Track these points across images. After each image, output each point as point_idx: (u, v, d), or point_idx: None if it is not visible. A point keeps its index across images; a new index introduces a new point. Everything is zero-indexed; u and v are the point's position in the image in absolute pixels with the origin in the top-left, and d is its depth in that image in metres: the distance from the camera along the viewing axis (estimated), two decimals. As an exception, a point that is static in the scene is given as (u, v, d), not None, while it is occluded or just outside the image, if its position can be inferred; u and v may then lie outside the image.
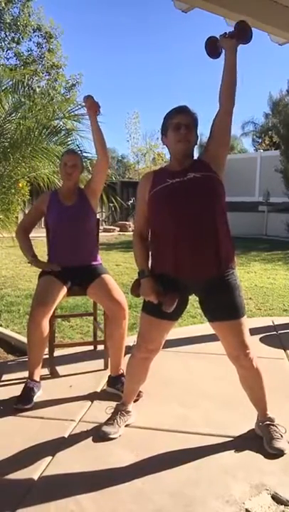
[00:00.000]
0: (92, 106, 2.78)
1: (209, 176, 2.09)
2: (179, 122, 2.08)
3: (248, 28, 2.09)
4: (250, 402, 2.31)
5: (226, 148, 2.19)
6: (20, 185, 4.41)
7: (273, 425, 2.23)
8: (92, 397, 2.71)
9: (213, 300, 2.14)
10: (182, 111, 2.11)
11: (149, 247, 2.21)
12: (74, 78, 15.08)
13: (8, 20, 13.60)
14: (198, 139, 2.22)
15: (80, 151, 4.02)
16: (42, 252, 3.04)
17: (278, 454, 2.10)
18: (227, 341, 2.17)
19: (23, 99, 4.33)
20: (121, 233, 14.44)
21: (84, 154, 4.00)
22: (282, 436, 2.19)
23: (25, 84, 4.63)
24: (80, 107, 4.24)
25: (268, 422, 2.24)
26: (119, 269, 7.63)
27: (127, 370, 2.38)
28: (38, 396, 2.65)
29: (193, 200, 2.05)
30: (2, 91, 4.13)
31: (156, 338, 2.23)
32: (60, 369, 3.07)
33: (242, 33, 2.09)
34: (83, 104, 3.11)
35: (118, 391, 2.71)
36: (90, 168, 4.13)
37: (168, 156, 2.30)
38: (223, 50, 2.12)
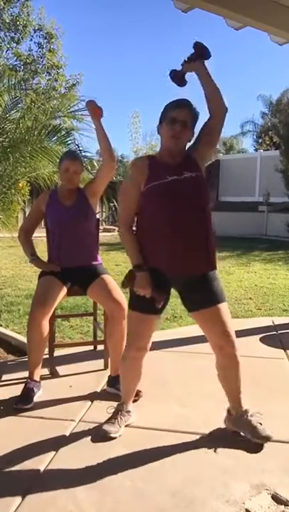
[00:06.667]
0: (95, 112, 2.72)
1: (201, 177, 2.16)
2: (175, 117, 2.08)
3: (205, 47, 2.24)
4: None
5: (214, 149, 2.31)
6: (20, 185, 4.41)
7: (251, 415, 2.25)
8: (92, 397, 2.71)
9: (195, 291, 2.17)
10: (182, 106, 2.12)
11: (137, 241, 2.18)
12: (74, 78, 15.07)
13: (7, 20, 13.58)
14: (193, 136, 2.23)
15: (80, 151, 4.02)
16: (42, 252, 3.04)
17: (267, 441, 2.16)
18: (211, 330, 2.18)
19: (21, 96, 4.32)
20: (121, 233, 14.40)
21: (84, 154, 3.99)
22: (261, 424, 2.23)
23: (23, 82, 4.62)
24: (79, 101, 4.23)
25: (246, 416, 2.25)
26: (119, 269, 7.62)
27: (121, 371, 2.40)
28: (38, 396, 2.65)
29: (190, 201, 2.10)
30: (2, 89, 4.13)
31: (146, 334, 2.25)
32: (60, 369, 3.07)
33: (202, 53, 2.23)
34: (83, 99, 3.09)
35: (118, 391, 2.70)
36: (90, 168, 4.12)
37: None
38: (187, 74, 2.26)
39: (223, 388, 2.31)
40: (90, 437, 2.26)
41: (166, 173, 2.10)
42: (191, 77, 2.26)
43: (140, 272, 2.11)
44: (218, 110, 2.17)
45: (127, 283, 2.15)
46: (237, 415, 2.27)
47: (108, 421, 2.32)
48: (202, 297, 2.15)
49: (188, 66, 2.24)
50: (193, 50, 2.24)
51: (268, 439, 2.16)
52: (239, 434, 2.24)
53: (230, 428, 2.29)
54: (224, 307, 2.18)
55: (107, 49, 55.41)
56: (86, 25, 51.70)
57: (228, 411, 2.33)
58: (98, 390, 2.81)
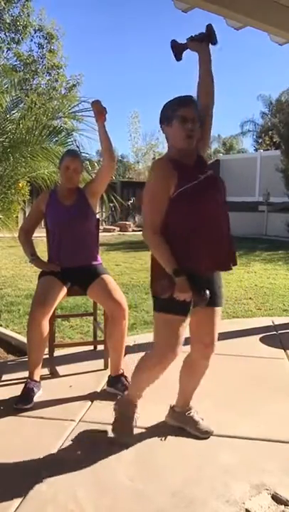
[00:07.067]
0: (100, 113, 2.72)
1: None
2: (185, 116, 2.01)
3: (215, 33, 2.24)
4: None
5: (207, 148, 2.33)
6: (20, 185, 4.41)
7: (195, 412, 2.34)
8: (92, 397, 2.71)
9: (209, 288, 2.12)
10: (188, 103, 2.05)
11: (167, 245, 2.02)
12: (74, 78, 15.07)
13: (8, 21, 13.58)
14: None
15: (81, 152, 4.02)
16: (42, 252, 3.04)
17: (209, 435, 2.27)
18: (204, 328, 2.17)
19: (21, 96, 4.32)
20: (121, 233, 14.40)
21: (83, 155, 3.99)
22: (202, 419, 2.33)
23: (22, 82, 4.63)
24: (80, 101, 4.23)
25: (190, 412, 2.34)
26: (119, 269, 7.63)
27: (144, 375, 2.26)
28: (38, 396, 2.65)
29: (219, 198, 2.07)
30: (1, 90, 4.13)
31: (181, 337, 2.13)
32: (60, 369, 3.07)
33: (211, 36, 2.23)
34: (84, 99, 3.08)
35: (118, 391, 2.71)
36: (90, 168, 4.13)
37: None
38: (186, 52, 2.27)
39: (180, 384, 2.34)
40: (90, 437, 2.26)
41: (194, 173, 2.03)
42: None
43: (179, 276, 1.95)
44: (207, 99, 2.18)
45: (167, 289, 1.98)
46: (182, 412, 2.35)
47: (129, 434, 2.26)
48: (214, 296, 2.10)
49: (194, 44, 2.22)
50: (204, 32, 2.23)
51: (210, 433, 2.28)
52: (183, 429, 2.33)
53: (173, 424, 2.37)
54: (220, 311, 2.20)
55: (107, 48, 55.51)
56: (86, 25, 51.78)
57: (172, 408, 2.39)
58: (98, 390, 2.81)
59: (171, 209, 2.00)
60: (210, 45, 2.24)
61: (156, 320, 2.15)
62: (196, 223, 2.01)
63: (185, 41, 2.27)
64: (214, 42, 2.24)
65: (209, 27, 2.24)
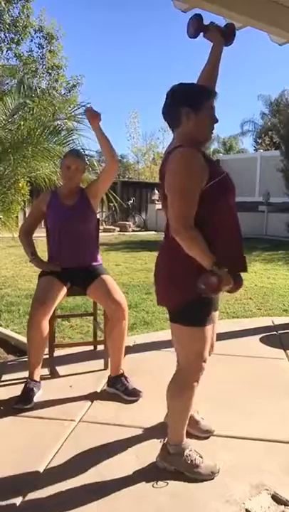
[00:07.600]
0: (94, 118, 2.75)
1: None
2: (213, 108, 1.93)
3: (234, 36, 2.26)
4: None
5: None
6: (20, 185, 4.41)
7: (193, 411, 2.31)
8: (92, 397, 2.71)
9: None
10: (215, 94, 1.97)
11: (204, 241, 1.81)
12: (75, 79, 15.07)
13: (7, 21, 13.59)
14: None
15: (83, 150, 4.03)
16: (42, 252, 3.04)
17: (209, 435, 2.28)
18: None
19: (26, 100, 4.34)
20: (121, 233, 14.40)
21: (86, 153, 4.00)
22: (203, 418, 2.33)
23: (26, 85, 4.64)
24: (80, 106, 4.24)
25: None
26: (119, 269, 7.63)
27: (186, 403, 2.09)
28: (38, 396, 2.65)
29: (235, 195, 1.99)
30: (5, 93, 4.15)
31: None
32: (60, 369, 3.07)
33: (231, 35, 2.25)
34: (84, 104, 3.10)
35: (118, 391, 2.71)
36: (90, 168, 4.13)
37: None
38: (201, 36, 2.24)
39: None
40: (90, 437, 2.26)
41: (217, 166, 1.95)
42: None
43: (221, 268, 1.76)
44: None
45: (216, 285, 1.76)
46: None
47: (198, 466, 2.00)
48: (217, 300, 2.05)
49: (215, 31, 2.21)
50: (227, 27, 2.26)
51: (210, 433, 2.29)
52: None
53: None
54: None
55: (107, 47, 55.50)
56: (86, 23, 51.83)
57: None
58: (98, 390, 2.81)
59: (207, 200, 1.82)
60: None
61: (190, 335, 1.96)
62: (222, 217, 1.89)
63: (208, 24, 2.23)
64: (230, 42, 2.24)
65: (232, 27, 2.25)
